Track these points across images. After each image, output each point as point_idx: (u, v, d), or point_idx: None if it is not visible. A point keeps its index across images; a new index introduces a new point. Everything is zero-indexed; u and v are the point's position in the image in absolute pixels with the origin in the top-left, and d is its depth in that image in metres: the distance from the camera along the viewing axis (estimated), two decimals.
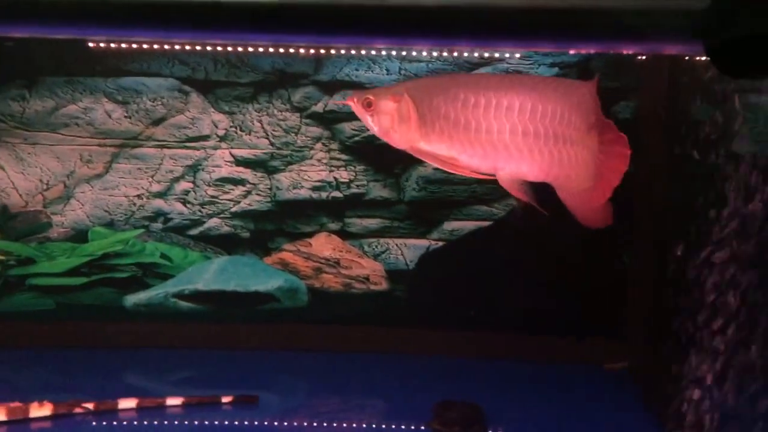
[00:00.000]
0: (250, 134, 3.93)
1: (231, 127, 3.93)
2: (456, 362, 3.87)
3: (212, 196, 3.99)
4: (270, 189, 3.99)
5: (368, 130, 2.21)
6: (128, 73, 3.86)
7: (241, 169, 3.97)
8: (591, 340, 3.87)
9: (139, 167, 3.95)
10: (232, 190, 3.98)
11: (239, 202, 4.00)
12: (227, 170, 3.97)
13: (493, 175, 2.03)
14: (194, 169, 3.96)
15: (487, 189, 3.92)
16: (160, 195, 3.97)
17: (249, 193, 3.99)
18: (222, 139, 3.94)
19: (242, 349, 3.99)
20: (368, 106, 2.03)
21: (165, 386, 3.52)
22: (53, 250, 3.97)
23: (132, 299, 3.99)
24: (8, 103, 3.85)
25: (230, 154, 3.96)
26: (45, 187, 3.94)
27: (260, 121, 3.92)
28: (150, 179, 3.96)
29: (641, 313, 3.68)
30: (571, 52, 3.53)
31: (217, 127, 3.93)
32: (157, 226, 4.00)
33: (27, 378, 3.62)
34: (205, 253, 4.02)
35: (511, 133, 1.91)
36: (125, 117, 3.90)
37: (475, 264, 3.95)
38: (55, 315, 3.98)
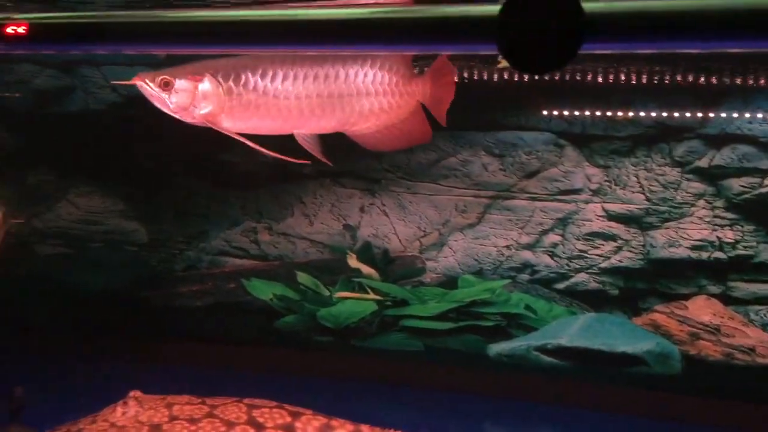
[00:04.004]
0: (624, 189, 3.82)
1: (605, 181, 3.85)
2: None
3: (581, 251, 3.92)
4: (643, 246, 3.81)
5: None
6: (506, 127, 4.00)
7: (612, 224, 3.86)
8: None
9: (510, 219, 4.03)
10: (603, 245, 3.88)
11: (609, 258, 3.88)
12: (598, 225, 3.88)
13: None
14: (564, 222, 3.94)
15: None
16: (529, 247, 4.00)
17: (620, 249, 3.85)
18: (595, 193, 3.88)
19: (601, 412, 3.80)
20: (166, 85, 2.27)
21: None
22: (425, 294, 4.18)
23: (495, 348, 4.03)
24: (395, 155, 4.18)
25: (602, 208, 3.88)
26: (422, 234, 4.19)
27: (636, 176, 3.80)
28: (520, 231, 4.01)
29: None
30: None
31: (590, 180, 3.88)
32: (524, 277, 4.02)
33: (411, 416, 3.80)
34: (571, 308, 3.94)
35: (306, 97, 2.25)
36: (500, 169, 4.02)
37: None
38: (423, 356, 4.16)
